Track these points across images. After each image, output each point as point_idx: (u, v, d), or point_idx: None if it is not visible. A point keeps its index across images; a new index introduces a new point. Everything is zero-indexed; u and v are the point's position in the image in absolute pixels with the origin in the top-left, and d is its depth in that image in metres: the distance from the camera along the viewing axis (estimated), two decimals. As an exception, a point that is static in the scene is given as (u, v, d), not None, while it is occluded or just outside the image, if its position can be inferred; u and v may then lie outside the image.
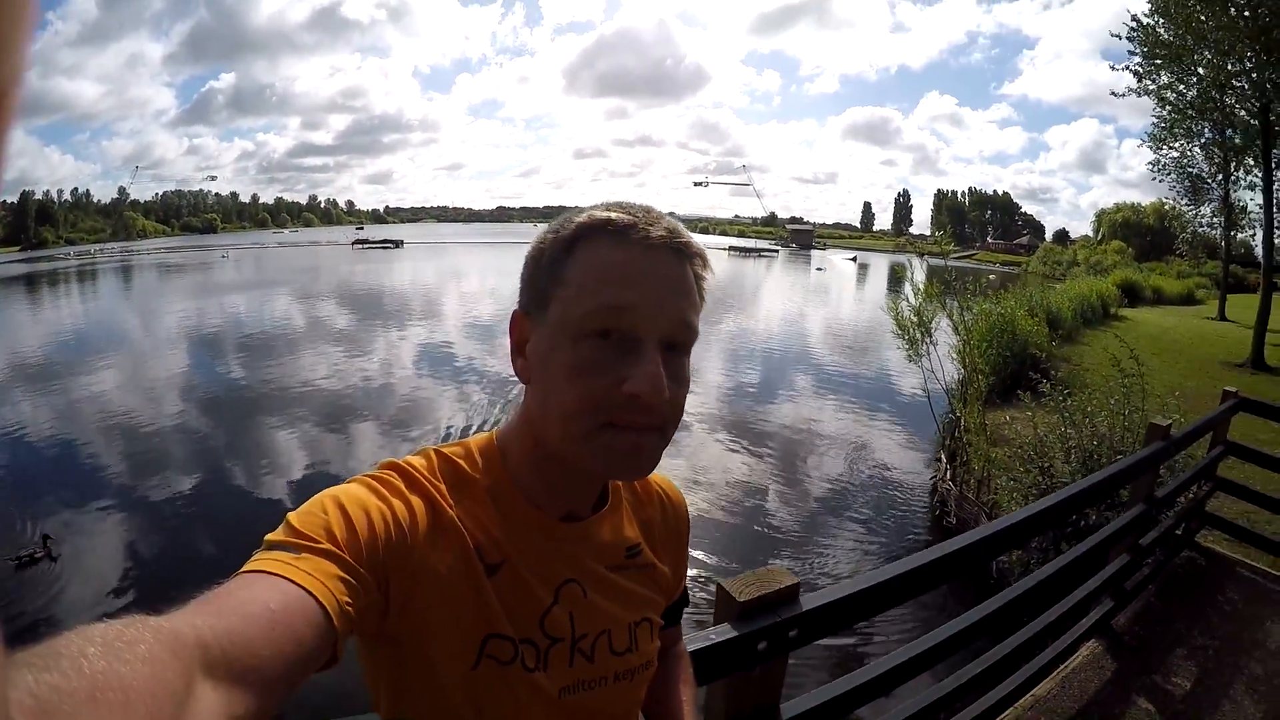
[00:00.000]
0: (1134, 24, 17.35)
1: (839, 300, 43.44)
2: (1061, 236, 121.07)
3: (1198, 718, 3.10)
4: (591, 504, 0.83)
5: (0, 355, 20.89)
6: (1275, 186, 16.41)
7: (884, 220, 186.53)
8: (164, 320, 28.35)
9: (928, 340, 10.05)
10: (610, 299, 0.69)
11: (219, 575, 0.54)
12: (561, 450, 0.73)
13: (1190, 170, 19.16)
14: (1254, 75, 15.30)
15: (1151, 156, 19.61)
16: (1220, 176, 18.69)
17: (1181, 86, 17.29)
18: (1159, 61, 17.21)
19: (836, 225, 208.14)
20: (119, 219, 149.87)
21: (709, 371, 18.23)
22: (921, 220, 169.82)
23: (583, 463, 0.72)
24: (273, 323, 26.81)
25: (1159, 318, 24.19)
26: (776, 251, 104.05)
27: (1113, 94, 19.00)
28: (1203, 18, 15.35)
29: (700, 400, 15.11)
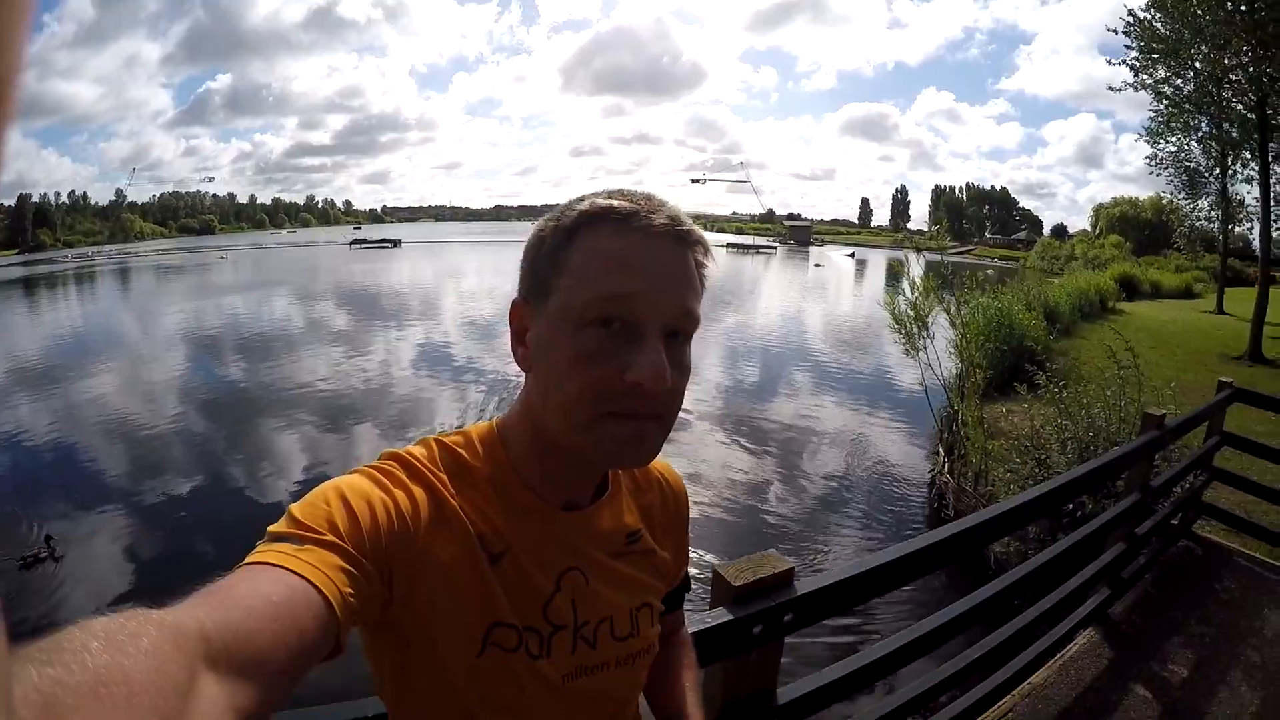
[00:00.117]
0: (1130, 18, 17.37)
1: (837, 296, 43.30)
2: (1060, 231, 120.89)
3: (1195, 705, 3.11)
4: (592, 492, 0.83)
5: (1, 359, 20.87)
6: (1272, 180, 16.45)
7: (882, 216, 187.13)
8: (163, 322, 28.32)
9: (924, 335, 10.06)
10: (612, 287, 0.69)
11: (220, 575, 0.54)
12: (563, 439, 0.73)
13: (1187, 164, 19.19)
14: (1250, 69, 15.32)
15: (1149, 151, 19.67)
16: (1217, 170, 18.73)
17: (1178, 81, 17.31)
18: (1155, 56, 17.22)
19: (835, 221, 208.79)
20: (116, 221, 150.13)
21: (708, 368, 18.21)
22: (919, 216, 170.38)
23: (584, 452, 0.72)
24: (271, 324, 26.76)
25: (1157, 311, 24.21)
26: (774, 248, 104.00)
27: (1110, 88, 19.05)
28: (1199, 12, 15.36)
29: (700, 397, 15.10)
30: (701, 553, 8.20)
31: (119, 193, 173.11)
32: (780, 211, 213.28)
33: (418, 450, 0.76)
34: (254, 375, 17.73)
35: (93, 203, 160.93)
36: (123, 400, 15.50)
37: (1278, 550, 4.67)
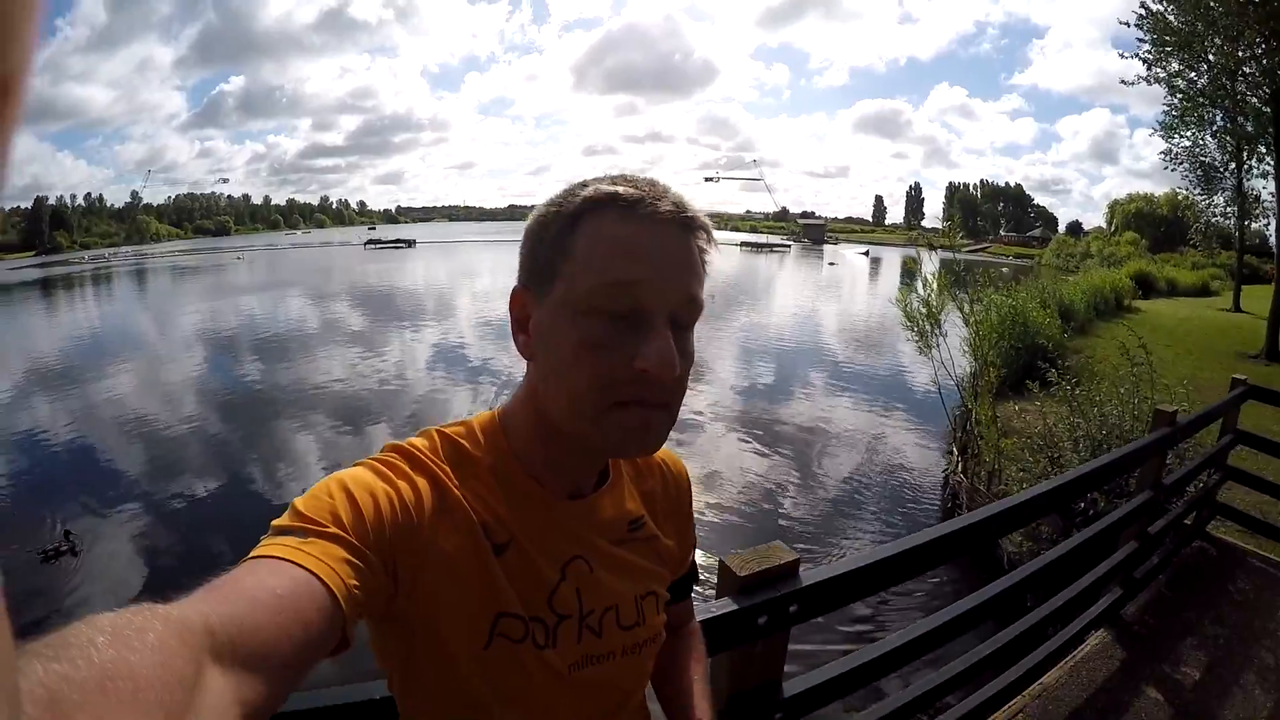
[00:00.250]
0: (1142, 11, 17.23)
1: (852, 295, 43.23)
2: (1075, 228, 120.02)
3: (1208, 708, 3.08)
4: (595, 479, 0.83)
5: (20, 359, 21.20)
6: (1288, 174, 16.28)
7: (896, 214, 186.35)
8: (180, 322, 28.65)
9: (938, 332, 10.01)
10: (618, 274, 0.68)
11: (227, 569, 0.54)
12: (568, 427, 0.72)
13: (1202, 159, 19.00)
14: (1264, 61, 15.15)
15: (1163, 146, 19.50)
16: (1233, 165, 18.53)
17: (1192, 74, 17.16)
18: (1168, 49, 17.07)
19: (849, 219, 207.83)
20: (132, 223, 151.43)
21: (723, 368, 18.22)
22: (934, 213, 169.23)
23: (591, 441, 0.71)
24: (287, 324, 26.97)
25: (1173, 309, 23.99)
26: (789, 247, 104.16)
27: (1122, 82, 18.87)
28: (1211, 3, 15.22)
29: (714, 397, 15.13)
30: (714, 552, 8.20)
31: (134, 195, 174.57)
32: (794, 209, 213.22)
33: (419, 441, 0.76)
34: (270, 376, 17.90)
35: (109, 205, 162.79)
36: (140, 400, 15.70)
37: (1293, 550, 4.63)
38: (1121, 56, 18.62)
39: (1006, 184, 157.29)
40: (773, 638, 1.59)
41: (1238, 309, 23.68)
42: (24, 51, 0.19)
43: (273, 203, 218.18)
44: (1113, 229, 69.55)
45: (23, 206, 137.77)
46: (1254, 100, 16.30)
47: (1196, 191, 20.41)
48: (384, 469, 0.70)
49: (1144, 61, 17.76)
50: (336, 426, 13.52)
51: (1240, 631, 3.65)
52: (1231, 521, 4.78)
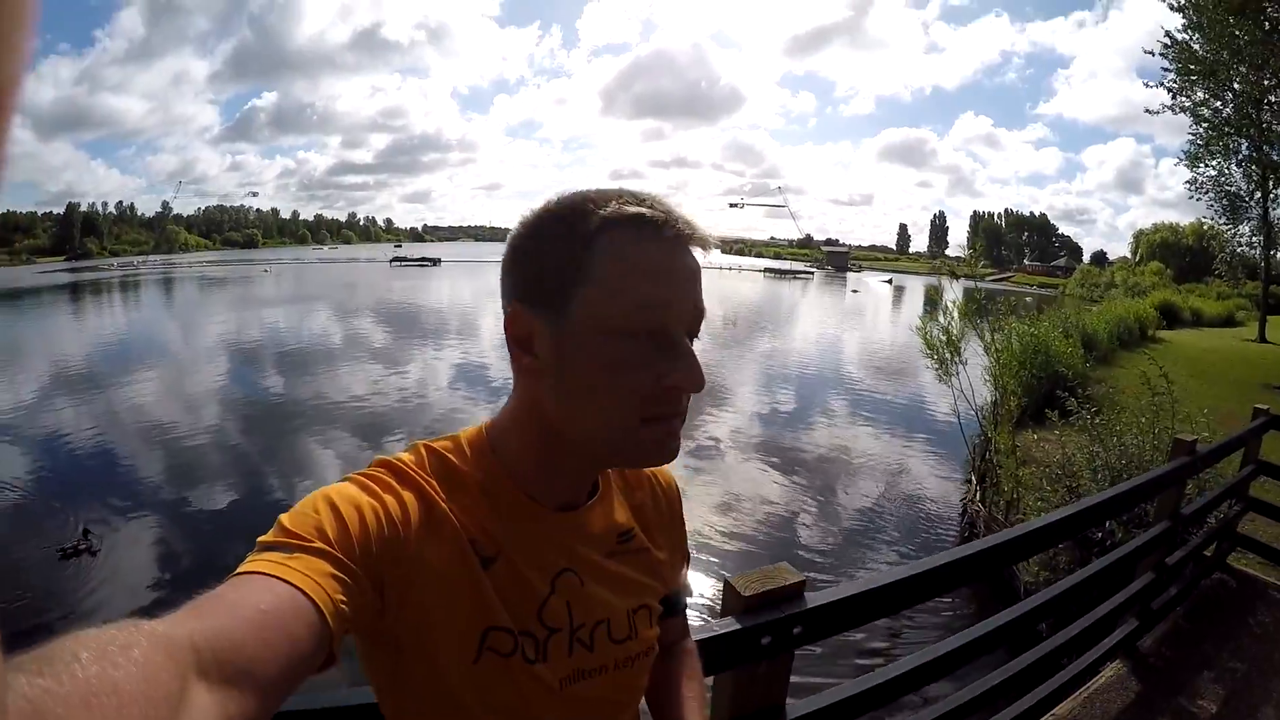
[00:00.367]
0: (1168, 40, 17.20)
1: (874, 323, 43.02)
2: (1099, 258, 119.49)
3: (1226, 742, 3.04)
4: (587, 491, 0.84)
5: (47, 361, 21.53)
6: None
7: (920, 242, 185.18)
8: (205, 331, 28.96)
9: (957, 360, 9.95)
10: (649, 297, 0.70)
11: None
12: (595, 446, 0.74)
13: (1228, 188, 18.88)
14: (1290, 90, 15.09)
15: (1189, 175, 19.40)
16: (1258, 194, 18.39)
17: (1217, 103, 17.08)
18: (1194, 77, 17.01)
19: (872, 247, 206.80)
20: (162, 232, 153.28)
21: (744, 394, 18.18)
22: (958, 242, 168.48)
23: (619, 457, 0.75)
24: (311, 337, 27.17)
25: (1198, 339, 23.68)
26: (812, 274, 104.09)
27: (1147, 111, 18.90)
28: (1237, 32, 15.17)
29: (735, 424, 15.09)
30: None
31: (165, 205, 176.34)
32: (818, 237, 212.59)
33: (407, 456, 0.76)
34: (293, 388, 17.96)
35: (139, 214, 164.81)
36: (163, 406, 15.83)
37: (1317, 585, 4.53)
38: (1146, 86, 18.64)
39: (1031, 213, 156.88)
40: (777, 659, 1.58)
41: (1263, 339, 23.37)
42: (15, 64, 0.19)
43: (301, 218, 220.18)
44: (1137, 259, 69.09)
45: (55, 212, 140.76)
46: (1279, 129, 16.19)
47: (1222, 221, 20.34)
48: (371, 484, 0.70)
49: (1169, 90, 17.78)
50: (357, 442, 13.57)
51: (1260, 665, 3.59)
52: (1253, 554, 4.70)
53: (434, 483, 0.73)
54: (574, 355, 0.71)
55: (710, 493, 10.79)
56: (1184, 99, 17.63)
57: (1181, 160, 19.24)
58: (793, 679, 1.67)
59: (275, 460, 12.38)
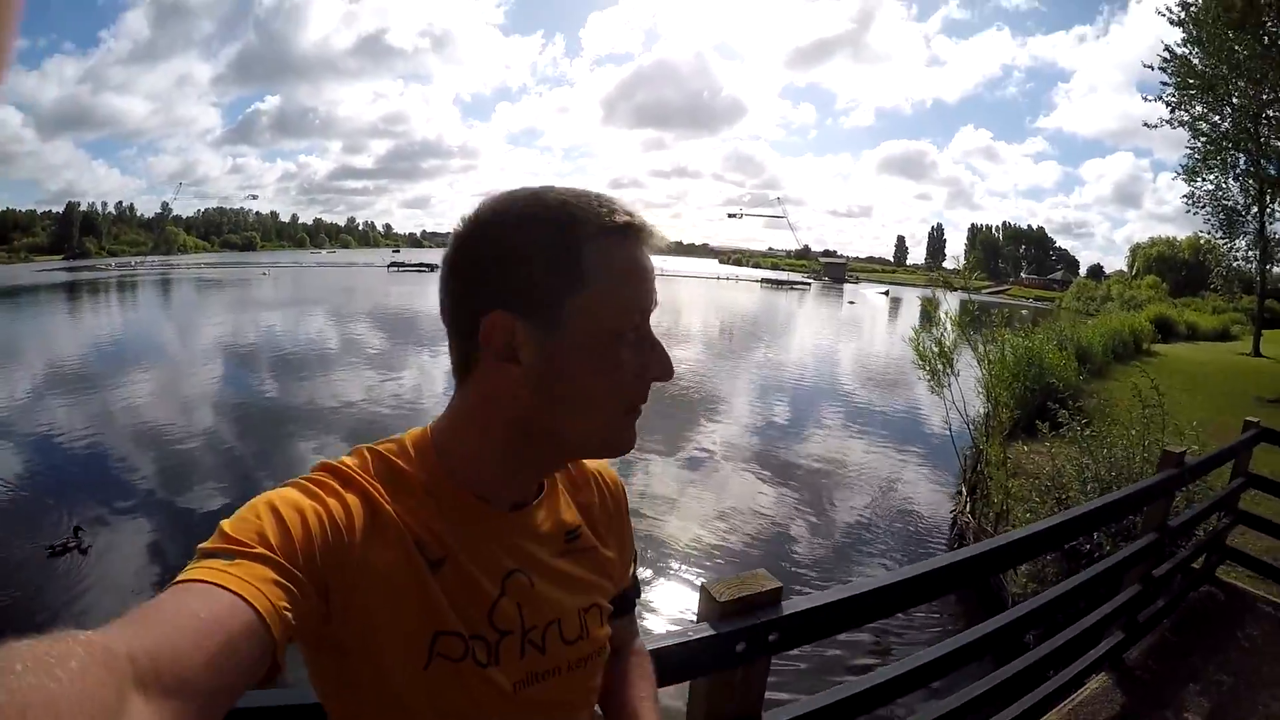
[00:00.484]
0: (1167, 54, 17.29)
1: (870, 334, 43.12)
2: (1096, 272, 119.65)
3: (1213, 756, 3.02)
4: (535, 490, 0.83)
5: (42, 360, 21.57)
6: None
7: (918, 254, 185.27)
8: (201, 333, 28.98)
9: (950, 372, 9.97)
10: (635, 300, 0.73)
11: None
12: (585, 442, 0.77)
13: (1225, 202, 18.98)
14: (1288, 104, 15.17)
15: (1186, 189, 19.48)
16: (1255, 208, 18.47)
17: (1215, 117, 17.17)
18: (1192, 91, 17.09)
19: (870, 259, 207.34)
20: (161, 233, 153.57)
21: (739, 405, 18.19)
22: (955, 254, 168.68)
23: (606, 449, 0.78)
24: (308, 341, 27.14)
25: (1192, 353, 23.72)
26: (809, 284, 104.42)
27: (1145, 125, 19.00)
28: (1236, 47, 15.24)
29: (728, 434, 15.11)
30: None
31: (165, 206, 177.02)
32: (816, 248, 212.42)
33: (350, 460, 0.75)
34: (287, 392, 17.96)
35: (139, 214, 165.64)
36: (157, 407, 15.83)
37: (1305, 598, 4.53)
38: (1145, 100, 18.77)
39: (1029, 226, 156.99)
40: (753, 666, 1.56)
41: (1258, 353, 23.40)
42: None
43: (300, 221, 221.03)
44: (1134, 272, 69.40)
45: (54, 211, 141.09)
46: (1277, 143, 16.27)
47: (1218, 235, 20.38)
48: (314, 487, 0.69)
49: (1168, 104, 17.85)
50: (351, 445, 13.51)
51: (1247, 678, 3.57)
52: (1242, 566, 4.69)
53: (378, 485, 0.72)
54: (569, 361, 0.72)
55: (702, 503, 10.79)
56: (1182, 113, 17.76)
57: (1179, 174, 19.36)
58: (780, 694, 1.66)
59: (269, 464, 12.33)
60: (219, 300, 47.49)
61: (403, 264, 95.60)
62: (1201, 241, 31.02)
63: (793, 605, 1.59)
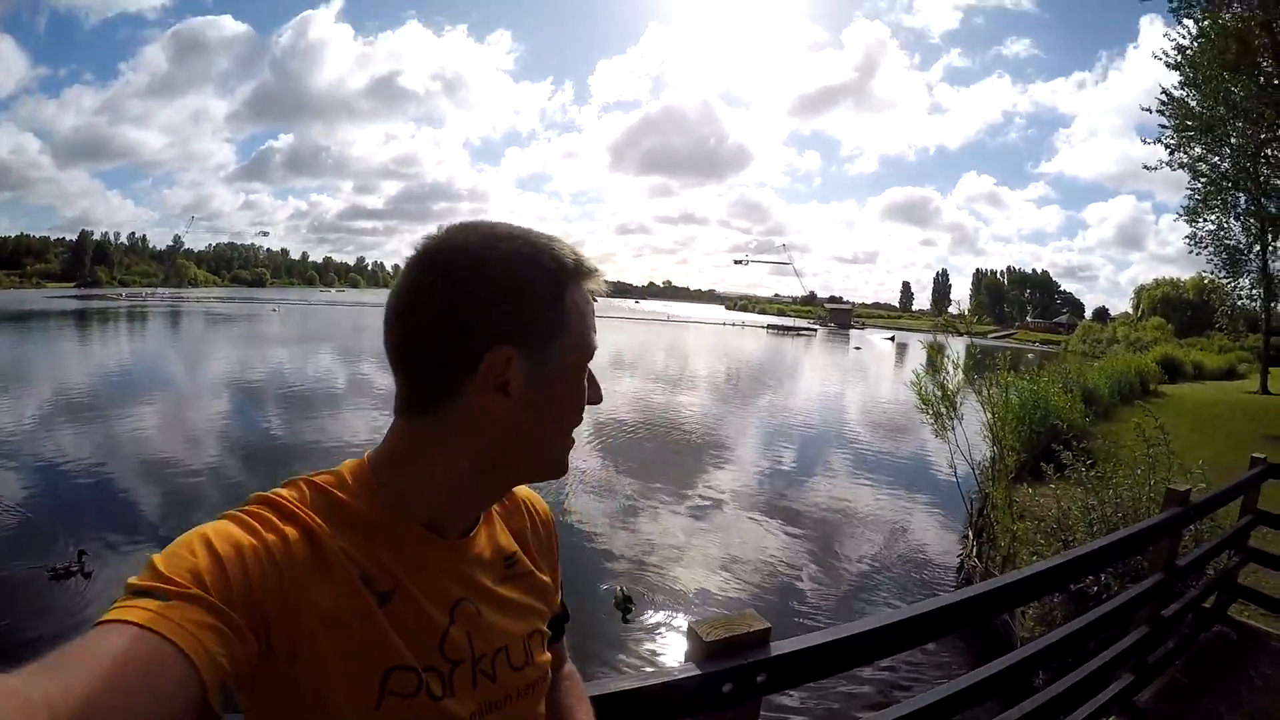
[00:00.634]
0: (1165, 97, 17.47)
1: (876, 379, 43.12)
2: (1101, 314, 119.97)
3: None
4: (474, 520, 0.82)
5: (50, 386, 21.77)
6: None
7: (923, 300, 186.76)
8: (209, 367, 29.17)
9: (954, 416, 9.92)
10: (591, 338, 0.79)
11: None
12: (540, 467, 0.80)
13: (1227, 242, 19.06)
14: (1286, 142, 15.30)
15: (1188, 230, 19.57)
16: (1257, 247, 18.53)
17: (1215, 158, 17.30)
18: (1191, 133, 17.24)
19: (875, 305, 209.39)
20: (172, 265, 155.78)
21: (745, 449, 18.14)
22: (960, 299, 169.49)
23: (551, 471, 0.80)
24: (315, 378, 27.17)
25: (1199, 392, 23.63)
26: (815, 330, 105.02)
27: (1146, 167, 19.20)
28: (1233, 88, 15.40)
29: (735, 479, 15.04)
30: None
31: (176, 239, 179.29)
32: (822, 294, 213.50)
33: (286, 492, 0.71)
34: (293, 428, 17.94)
35: (151, 246, 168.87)
36: (167, 438, 15.87)
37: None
38: (1145, 142, 18.86)
39: (1033, 270, 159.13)
40: (742, 708, 1.51)
41: (1265, 391, 23.30)
42: None
43: (310, 259, 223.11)
44: (1139, 314, 69.53)
45: (68, 238, 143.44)
46: (1277, 181, 16.36)
47: (1222, 275, 20.43)
48: (251, 521, 0.66)
49: (1167, 147, 18.00)
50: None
51: (1261, 718, 3.48)
52: (1255, 605, 4.60)
53: (318, 519, 0.69)
54: (548, 393, 0.75)
55: (708, 550, 10.70)
56: (1182, 154, 17.92)
57: (1181, 215, 19.51)
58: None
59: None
60: (228, 334, 47.87)
61: None
62: (1205, 281, 31.08)
63: (781, 646, 1.55)
